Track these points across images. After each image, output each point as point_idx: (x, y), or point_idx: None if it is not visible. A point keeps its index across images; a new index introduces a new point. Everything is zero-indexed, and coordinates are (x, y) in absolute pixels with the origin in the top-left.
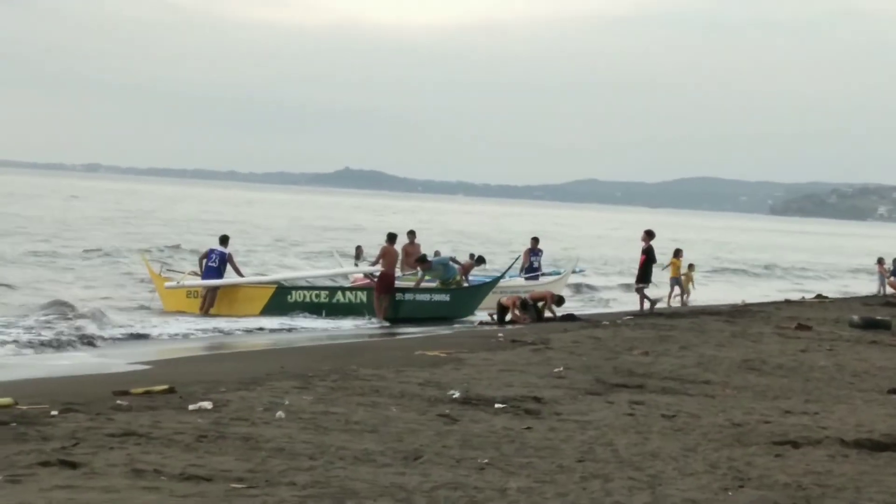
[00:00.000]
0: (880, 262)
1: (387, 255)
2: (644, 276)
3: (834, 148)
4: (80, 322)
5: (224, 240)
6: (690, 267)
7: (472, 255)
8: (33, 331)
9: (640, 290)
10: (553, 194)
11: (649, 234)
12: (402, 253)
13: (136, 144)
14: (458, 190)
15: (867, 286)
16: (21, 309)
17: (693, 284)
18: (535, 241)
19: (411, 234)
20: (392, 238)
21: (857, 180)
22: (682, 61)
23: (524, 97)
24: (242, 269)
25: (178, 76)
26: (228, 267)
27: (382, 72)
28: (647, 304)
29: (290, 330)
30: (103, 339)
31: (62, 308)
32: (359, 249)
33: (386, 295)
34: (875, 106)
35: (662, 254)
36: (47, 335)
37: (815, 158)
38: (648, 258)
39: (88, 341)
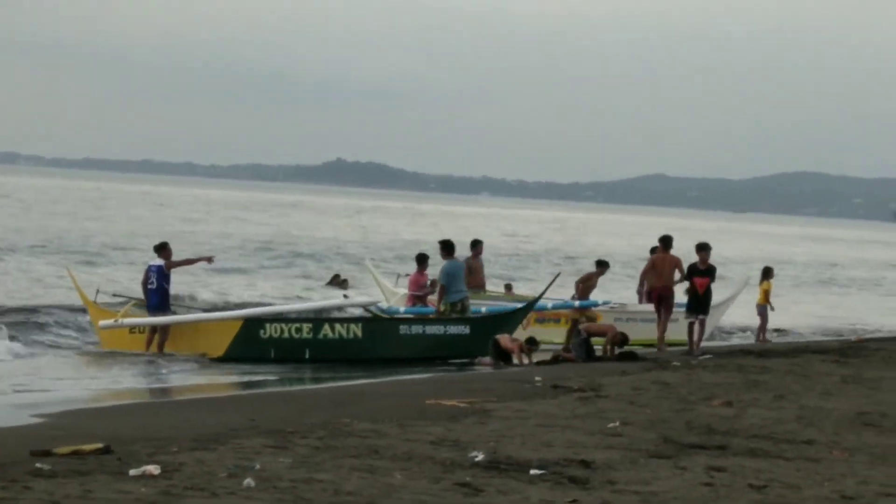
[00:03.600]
0: None
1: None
2: (706, 304)
3: None
4: None
5: (160, 248)
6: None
7: (599, 263)
8: None
9: (700, 322)
10: (607, 194)
11: (706, 249)
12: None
13: (66, 128)
14: (483, 188)
15: None
16: None
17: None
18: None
19: (476, 244)
20: (665, 242)
21: None
22: (774, 20)
23: (571, 76)
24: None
25: (115, 36)
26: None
27: (388, 36)
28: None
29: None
30: None
31: None
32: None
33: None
34: None
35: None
36: None
37: None
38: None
39: None
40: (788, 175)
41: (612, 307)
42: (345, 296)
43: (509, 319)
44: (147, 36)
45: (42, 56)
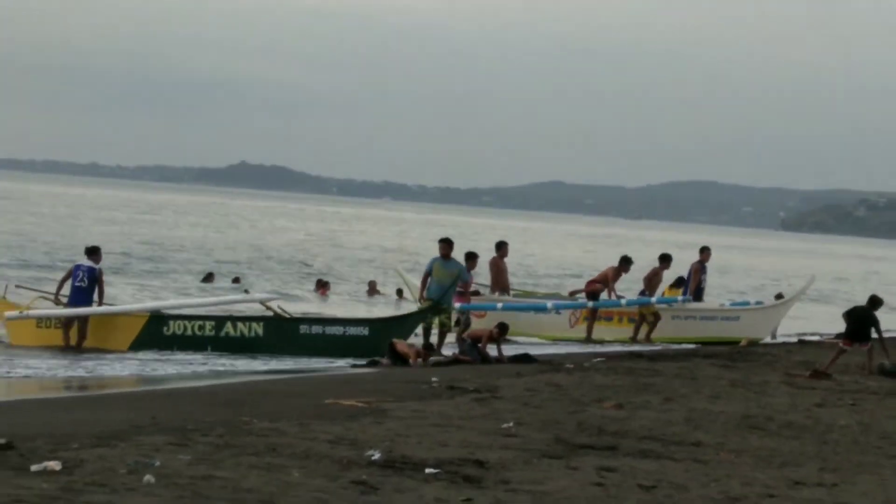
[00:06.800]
0: None
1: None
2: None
3: (864, 148)
4: None
5: (92, 251)
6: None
7: (662, 257)
8: None
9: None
10: (506, 200)
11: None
12: (493, 269)
13: None
14: (385, 192)
15: None
16: None
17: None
18: (707, 252)
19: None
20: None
21: (893, 189)
22: (672, 35)
23: (471, 83)
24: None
25: (14, 38)
26: None
27: (290, 40)
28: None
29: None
30: None
31: None
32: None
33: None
34: None
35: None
36: None
37: (838, 160)
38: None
39: None
40: (680, 184)
41: (669, 305)
42: (245, 291)
43: (406, 323)
44: (47, 39)
45: None
